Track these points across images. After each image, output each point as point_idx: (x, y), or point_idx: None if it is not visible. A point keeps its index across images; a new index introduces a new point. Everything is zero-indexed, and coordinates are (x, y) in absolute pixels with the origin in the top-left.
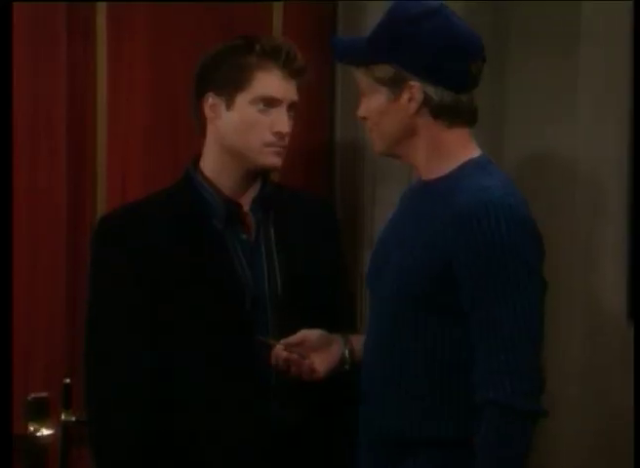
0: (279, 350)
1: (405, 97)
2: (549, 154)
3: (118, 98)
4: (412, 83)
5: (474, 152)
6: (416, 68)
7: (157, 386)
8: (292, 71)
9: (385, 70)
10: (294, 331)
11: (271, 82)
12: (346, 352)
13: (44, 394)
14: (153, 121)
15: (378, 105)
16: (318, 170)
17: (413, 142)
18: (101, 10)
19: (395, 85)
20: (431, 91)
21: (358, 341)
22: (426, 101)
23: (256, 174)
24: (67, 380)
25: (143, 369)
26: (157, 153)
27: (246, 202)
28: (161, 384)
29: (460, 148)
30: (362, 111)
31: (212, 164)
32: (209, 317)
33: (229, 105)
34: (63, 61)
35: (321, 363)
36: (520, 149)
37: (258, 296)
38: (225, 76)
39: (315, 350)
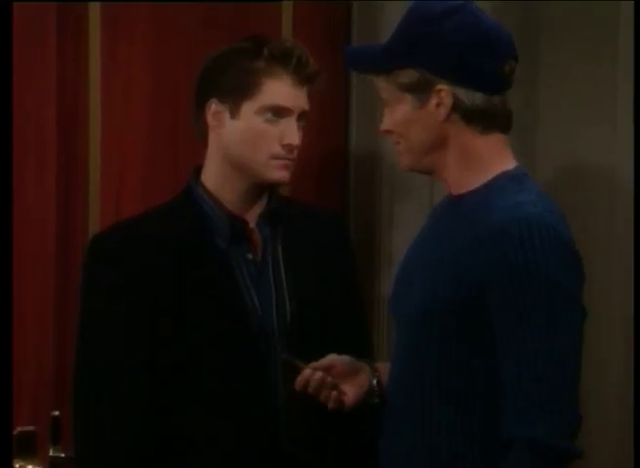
0: (310, 372)
1: (433, 102)
2: (586, 163)
3: (113, 106)
4: (439, 86)
5: (509, 163)
6: (441, 70)
7: (153, 421)
8: (303, 78)
9: (409, 75)
10: (304, 360)
11: (280, 90)
12: (374, 382)
13: (31, 428)
14: (151, 130)
15: (403, 115)
16: (331, 183)
17: (443, 153)
18: (94, 10)
19: (421, 90)
20: (461, 93)
21: (385, 371)
22: (457, 106)
23: (262, 187)
24: (56, 413)
25: (140, 402)
26: (155, 165)
27: (252, 218)
28: (158, 420)
29: (495, 158)
30: (386, 124)
31: (214, 176)
32: (211, 347)
33: (234, 114)
34: (53, 66)
35: (350, 391)
36: (554, 158)
37: (264, 321)
38: (230, 82)
39: (343, 377)
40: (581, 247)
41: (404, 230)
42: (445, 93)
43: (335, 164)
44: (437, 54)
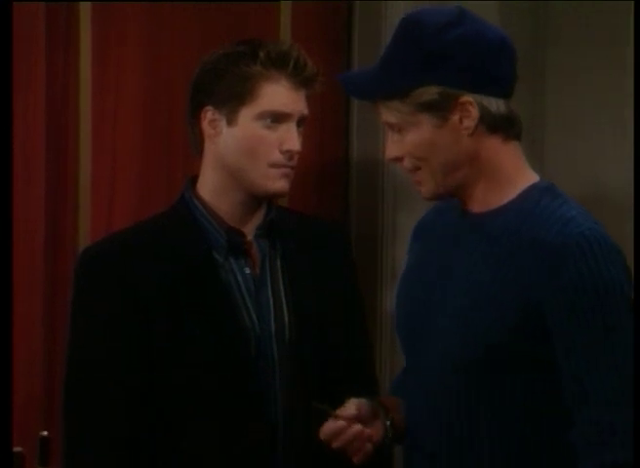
0: (345, 425)
1: (455, 117)
2: (595, 175)
3: (104, 110)
4: (463, 99)
5: (532, 176)
6: (462, 82)
7: (147, 442)
8: (301, 80)
9: (430, 92)
10: (304, 379)
11: (279, 94)
12: (388, 424)
13: (18, 448)
14: (145, 138)
15: (423, 137)
16: (331, 193)
17: (468, 170)
18: (85, 10)
19: (442, 107)
20: (486, 102)
21: (394, 406)
22: (483, 116)
23: (260, 198)
24: (44, 433)
25: (133, 421)
26: (149, 175)
27: (249, 230)
28: (151, 440)
29: (519, 170)
30: (398, 150)
31: (210, 186)
32: (208, 365)
33: (231, 121)
34: (42, 69)
35: (373, 438)
36: (561, 169)
37: (263, 339)
38: (226, 88)
39: (366, 424)
40: None
41: (406, 241)
42: (470, 104)
43: (335, 173)
44: (454, 65)
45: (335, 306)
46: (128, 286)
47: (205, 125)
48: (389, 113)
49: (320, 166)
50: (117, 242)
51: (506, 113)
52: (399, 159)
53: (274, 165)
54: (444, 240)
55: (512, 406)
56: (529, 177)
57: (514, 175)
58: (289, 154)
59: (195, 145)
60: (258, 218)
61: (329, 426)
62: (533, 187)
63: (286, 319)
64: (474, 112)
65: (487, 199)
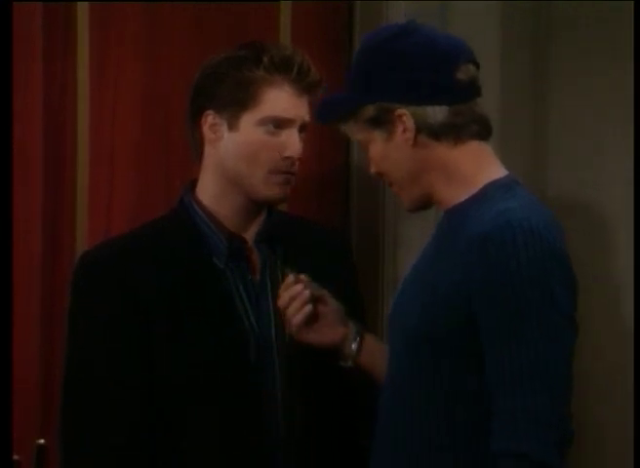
0: (289, 280)
1: (399, 130)
2: (597, 175)
3: (102, 113)
4: (398, 112)
5: (497, 172)
6: (396, 95)
7: (147, 449)
8: (304, 86)
9: (369, 109)
10: (304, 384)
11: (281, 100)
12: (354, 346)
13: (15, 457)
14: (144, 143)
15: (378, 152)
16: (333, 200)
17: (427, 177)
18: (83, 10)
19: (384, 121)
20: (420, 113)
21: (372, 342)
22: (420, 126)
23: (261, 204)
24: (41, 441)
25: (132, 428)
26: (147, 178)
27: (250, 235)
28: (151, 446)
29: (477, 169)
30: (373, 167)
31: (210, 191)
32: (208, 371)
33: (232, 126)
34: (39, 71)
35: (326, 332)
36: (564, 169)
37: (263, 344)
38: (228, 93)
39: (326, 317)
40: (595, 267)
41: (408, 249)
42: (406, 117)
43: (336, 180)
44: (389, 80)
45: None
46: (128, 289)
47: (205, 129)
48: (351, 133)
49: (321, 172)
50: (116, 246)
51: (448, 119)
52: (380, 174)
53: (275, 171)
54: (433, 237)
55: (449, 387)
56: (490, 175)
57: (473, 172)
58: (290, 160)
59: (195, 149)
60: (258, 224)
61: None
62: (491, 183)
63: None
64: (410, 124)
65: (452, 198)
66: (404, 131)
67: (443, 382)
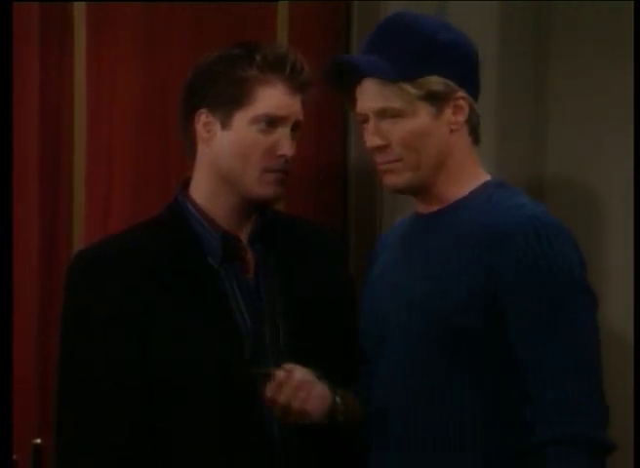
0: (283, 375)
1: (449, 111)
2: (598, 175)
3: (99, 112)
4: (460, 94)
5: (485, 175)
6: (462, 78)
7: (141, 449)
8: (297, 85)
9: (437, 82)
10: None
11: (275, 98)
12: (338, 399)
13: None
14: (140, 139)
15: (420, 126)
16: (330, 198)
17: (443, 167)
18: (80, 10)
19: (442, 98)
20: (472, 102)
21: (346, 395)
22: (470, 115)
23: (254, 203)
24: (38, 441)
25: (126, 429)
26: (145, 180)
27: (244, 234)
28: (145, 447)
29: (477, 170)
30: (385, 138)
31: (203, 190)
32: (205, 370)
33: (225, 124)
34: (36, 71)
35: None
36: (564, 169)
37: (257, 344)
38: (221, 91)
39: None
40: (594, 267)
41: None
42: (465, 101)
43: (333, 178)
44: (456, 62)
45: (330, 312)
46: (124, 288)
47: (199, 128)
48: (393, 97)
49: (317, 171)
50: (111, 245)
51: (480, 118)
52: (383, 148)
53: (268, 169)
54: (404, 245)
55: (465, 374)
56: (483, 176)
57: (472, 174)
58: (283, 158)
59: (188, 148)
60: (252, 223)
61: (275, 379)
62: (485, 184)
63: (280, 323)
64: (466, 109)
65: (444, 196)
66: (455, 114)
67: (464, 380)
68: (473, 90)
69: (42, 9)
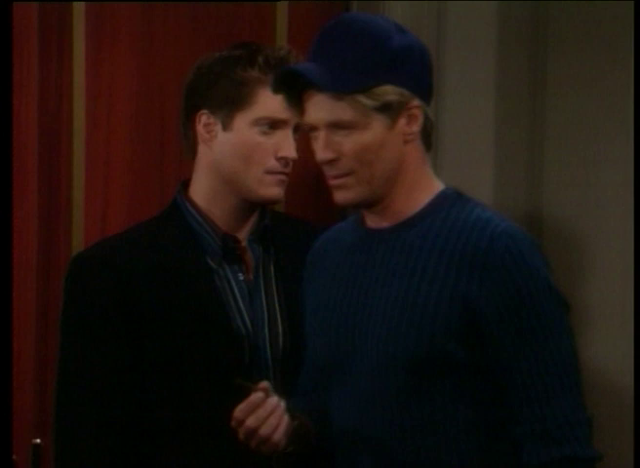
0: (260, 396)
1: (402, 121)
2: (596, 179)
3: (98, 116)
4: (414, 103)
5: (439, 183)
6: (415, 86)
7: (143, 450)
8: None
9: (392, 92)
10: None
11: (276, 101)
12: (296, 423)
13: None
14: (139, 144)
15: (374, 139)
16: (329, 198)
17: (399, 180)
18: (79, 10)
19: (396, 108)
20: (426, 110)
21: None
22: (425, 124)
23: (254, 204)
24: (37, 441)
25: (125, 428)
26: (143, 181)
27: (243, 235)
28: (143, 446)
29: (431, 179)
30: (337, 151)
31: (203, 191)
32: (204, 372)
33: (226, 125)
34: (35, 71)
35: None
36: (565, 173)
37: (257, 346)
38: (222, 92)
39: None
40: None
41: None
42: (419, 110)
43: None
44: (410, 69)
45: None
46: (125, 289)
47: (200, 129)
48: (345, 110)
49: (317, 172)
50: (112, 246)
51: (432, 124)
52: (333, 161)
53: (269, 171)
54: (356, 264)
55: (444, 403)
56: (437, 185)
57: (427, 185)
58: (284, 161)
59: (189, 149)
60: (251, 224)
61: (248, 399)
62: (442, 195)
63: (279, 325)
64: (420, 118)
65: (400, 210)
66: (409, 124)
67: (445, 405)
68: (427, 95)
69: (41, 9)
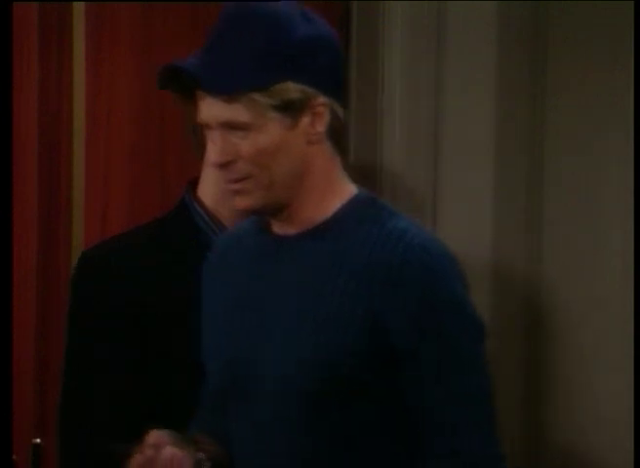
0: (150, 453)
1: (306, 120)
2: (597, 184)
3: (98, 116)
4: (319, 100)
5: (352, 187)
6: (320, 82)
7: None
8: None
9: (292, 89)
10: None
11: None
12: (201, 456)
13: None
14: (139, 143)
15: (271, 140)
16: None
17: (305, 184)
18: (79, 10)
19: (298, 107)
20: (335, 108)
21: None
22: (332, 123)
23: None
24: (37, 441)
25: (130, 429)
26: (143, 181)
27: None
28: None
29: (342, 181)
30: (233, 154)
31: (211, 192)
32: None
33: None
34: (35, 71)
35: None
36: (564, 173)
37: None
38: None
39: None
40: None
41: None
42: (325, 108)
43: None
44: (314, 64)
45: None
46: (126, 291)
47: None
48: (240, 109)
49: None
50: (119, 244)
51: (342, 122)
52: (229, 164)
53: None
54: (260, 274)
55: (350, 432)
56: (350, 190)
57: (337, 189)
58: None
59: (197, 149)
60: None
61: (136, 459)
62: (355, 200)
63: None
64: (326, 117)
65: (307, 216)
66: (314, 123)
67: (351, 436)
68: (336, 91)
69: (41, 9)
